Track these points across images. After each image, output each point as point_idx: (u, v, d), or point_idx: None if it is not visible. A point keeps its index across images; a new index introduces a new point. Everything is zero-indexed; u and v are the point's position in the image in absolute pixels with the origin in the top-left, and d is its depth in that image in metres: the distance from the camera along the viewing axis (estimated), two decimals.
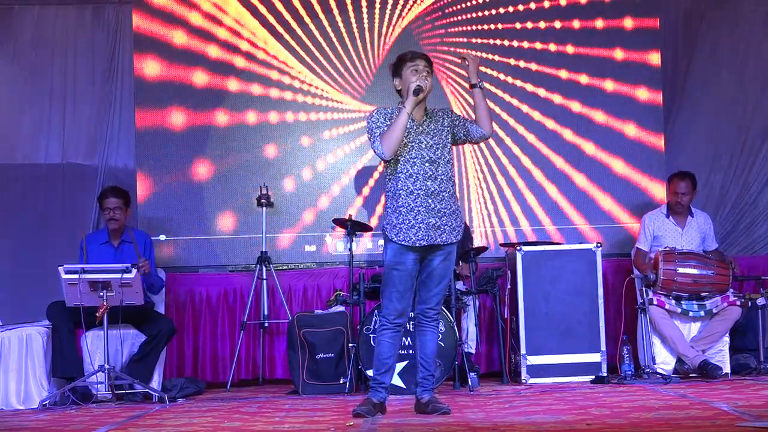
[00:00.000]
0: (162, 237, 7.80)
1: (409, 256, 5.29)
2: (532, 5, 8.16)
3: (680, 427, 4.44)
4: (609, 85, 8.14)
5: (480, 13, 8.13)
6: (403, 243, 5.27)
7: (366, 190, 7.98)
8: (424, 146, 5.28)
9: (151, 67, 7.92)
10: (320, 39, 8.07)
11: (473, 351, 7.07)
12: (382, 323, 5.36)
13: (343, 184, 8.00)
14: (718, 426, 4.45)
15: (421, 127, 5.32)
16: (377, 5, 8.09)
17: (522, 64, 8.14)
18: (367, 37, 8.08)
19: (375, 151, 5.31)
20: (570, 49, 8.15)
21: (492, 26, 8.13)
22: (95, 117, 8.23)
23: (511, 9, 8.15)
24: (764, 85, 8.41)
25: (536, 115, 8.13)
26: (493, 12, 8.13)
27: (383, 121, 5.30)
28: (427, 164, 5.26)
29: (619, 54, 8.15)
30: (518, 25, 8.15)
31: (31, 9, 8.25)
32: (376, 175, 7.97)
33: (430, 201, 5.26)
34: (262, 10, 8.04)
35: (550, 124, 8.13)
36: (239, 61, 8.02)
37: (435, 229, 5.26)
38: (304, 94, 8.04)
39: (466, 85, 5.79)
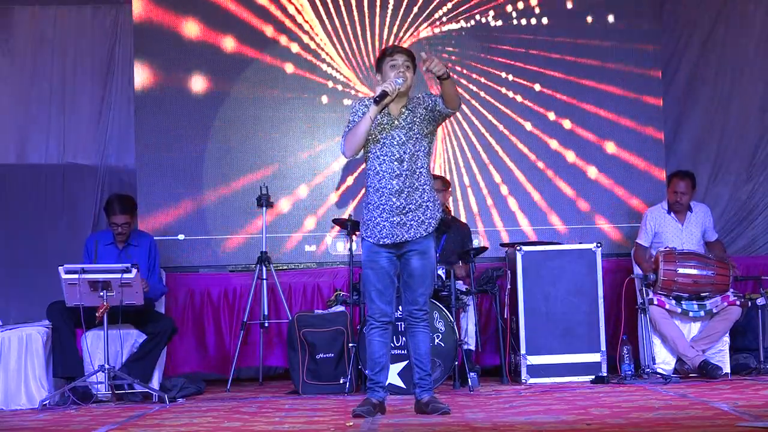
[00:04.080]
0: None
1: (382, 254, 5.28)
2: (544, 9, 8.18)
3: (680, 427, 4.44)
4: (609, 87, 8.13)
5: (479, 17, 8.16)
6: (370, 239, 5.28)
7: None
8: (395, 143, 5.24)
9: (150, 67, 7.91)
10: (320, 48, 8.08)
11: (473, 348, 7.06)
12: (370, 323, 5.36)
13: (343, 184, 7.99)
14: (718, 426, 4.45)
15: (396, 121, 5.26)
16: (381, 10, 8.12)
17: (524, 73, 8.16)
18: (369, 41, 8.11)
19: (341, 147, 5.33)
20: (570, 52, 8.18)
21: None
22: (95, 117, 8.23)
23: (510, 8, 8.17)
24: (764, 84, 8.40)
25: (538, 116, 8.13)
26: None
27: (359, 114, 5.28)
28: (395, 162, 5.22)
29: (619, 53, 8.14)
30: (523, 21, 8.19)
31: (31, 9, 8.24)
32: None
33: (393, 199, 5.23)
34: (262, 15, 8.04)
35: (551, 124, 8.13)
36: (239, 63, 8.01)
37: (400, 226, 5.23)
38: (306, 94, 8.04)
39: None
